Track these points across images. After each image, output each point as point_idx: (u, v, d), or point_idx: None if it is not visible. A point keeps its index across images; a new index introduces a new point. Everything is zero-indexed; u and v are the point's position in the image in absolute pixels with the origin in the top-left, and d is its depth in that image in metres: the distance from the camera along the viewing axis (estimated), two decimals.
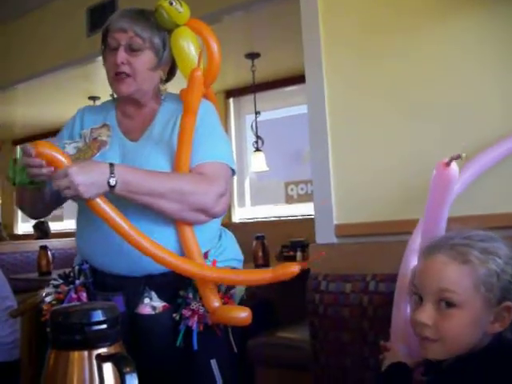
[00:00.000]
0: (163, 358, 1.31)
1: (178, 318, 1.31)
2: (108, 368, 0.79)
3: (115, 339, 0.82)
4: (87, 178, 1.18)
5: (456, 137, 1.53)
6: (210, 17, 3.15)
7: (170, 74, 1.51)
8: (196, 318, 1.30)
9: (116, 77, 1.39)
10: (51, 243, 4.51)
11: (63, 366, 0.79)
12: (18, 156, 1.24)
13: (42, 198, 1.42)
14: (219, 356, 1.36)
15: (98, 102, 4.90)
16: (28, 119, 6.26)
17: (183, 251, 1.33)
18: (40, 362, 0.84)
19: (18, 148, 1.43)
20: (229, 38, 3.75)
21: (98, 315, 0.80)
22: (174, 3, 1.36)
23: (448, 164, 1.10)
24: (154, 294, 1.32)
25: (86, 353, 0.79)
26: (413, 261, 1.31)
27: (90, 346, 0.79)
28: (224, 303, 1.31)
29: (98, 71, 4.31)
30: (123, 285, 1.33)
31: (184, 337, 1.30)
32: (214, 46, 1.44)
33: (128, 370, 0.75)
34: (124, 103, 1.47)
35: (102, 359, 0.78)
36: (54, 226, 6.28)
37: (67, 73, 4.27)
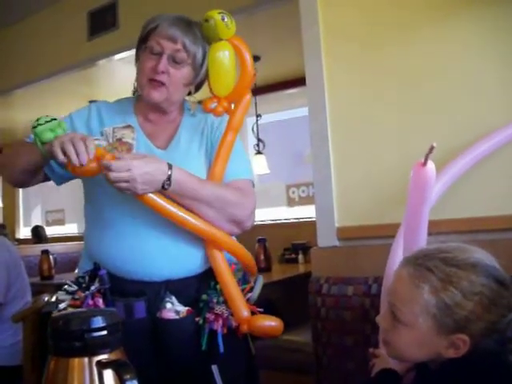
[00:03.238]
0: (188, 362, 1.31)
1: (201, 321, 1.31)
2: (108, 375, 0.78)
3: (116, 346, 0.81)
4: (147, 177, 1.19)
5: (459, 139, 1.52)
6: None
7: (197, 88, 1.48)
8: (221, 322, 1.31)
9: (151, 82, 1.36)
10: (53, 247, 4.50)
11: (63, 373, 0.78)
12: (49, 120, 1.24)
13: (40, 165, 1.34)
14: (236, 359, 1.37)
15: None
16: (29, 124, 6.25)
17: (208, 257, 1.36)
18: (43, 369, 0.83)
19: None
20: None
21: (98, 322, 0.79)
22: (226, 19, 1.35)
23: (424, 163, 1.08)
24: (174, 298, 1.32)
25: (86, 360, 0.78)
26: (396, 262, 1.30)
27: (90, 352, 0.78)
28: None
29: (99, 75, 4.36)
30: (143, 290, 1.32)
31: (206, 340, 1.31)
32: (249, 64, 1.44)
33: (128, 376, 0.74)
34: (147, 108, 1.44)
35: (102, 366, 0.78)
36: (56, 231, 6.29)
37: (68, 77, 4.26)
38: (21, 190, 7.36)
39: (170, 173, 1.23)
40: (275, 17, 3.44)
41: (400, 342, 1.00)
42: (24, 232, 7.13)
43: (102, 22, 3.92)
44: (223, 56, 1.39)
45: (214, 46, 1.40)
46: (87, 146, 1.16)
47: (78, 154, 1.15)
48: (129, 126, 1.38)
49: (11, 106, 5.40)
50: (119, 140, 1.35)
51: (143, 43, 1.39)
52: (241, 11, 3.27)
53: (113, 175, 1.17)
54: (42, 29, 4.36)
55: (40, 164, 1.32)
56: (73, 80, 4.38)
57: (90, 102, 5.14)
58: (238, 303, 1.31)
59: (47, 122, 1.24)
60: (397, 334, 1.00)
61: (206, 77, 1.44)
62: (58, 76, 4.27)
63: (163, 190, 1.23)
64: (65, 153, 1.16)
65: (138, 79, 1.41)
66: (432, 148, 1.03)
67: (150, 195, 1.23)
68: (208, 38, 1.40)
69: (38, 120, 1.25)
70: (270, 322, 1.32)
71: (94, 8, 4.00)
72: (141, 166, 1.19)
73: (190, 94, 1.47)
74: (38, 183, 1.44)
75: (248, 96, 1.42)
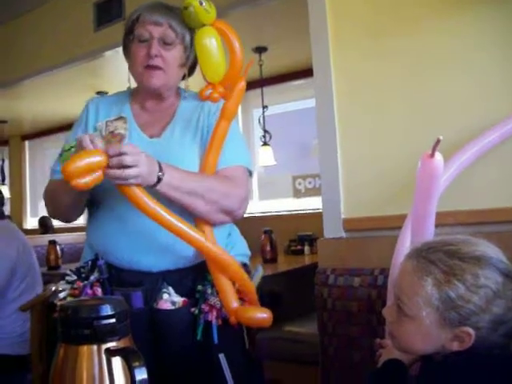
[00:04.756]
0: (184, 352, 1.32)
1: (196, 312, 1.31)
2: (117, 362, 0.79)
3: (124, 333, 0.82)
4: (147, 169, 1.17)
5: (465, 130, 1.52)
6: (217, 11, 3.14)
7: (190, 71, 1.49)
8: (215, 313, 1.31)
9: (147, 69, 1.37)
10: (60, 238, 4.52)
11: (72, 361, 0.79)
12: (73, 145, 1.22)
13: (83, 199, 1.37)
14: (234, 349, 1.37)
15: None
16: (36, 115, 6.29)
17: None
18: (51, 357, 0.84)
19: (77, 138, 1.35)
20: (236, 32, 3.74)
21: (107, 309, 0.80)
22: (204, 3, 1.35)
23: (432, 155, 1.07)
24: (171, 289, 1.33)
25: (95, 347, 0.79)
26: (403, 254, 1.31)
27: (99, 340, 0.79)
28: (239, 298, 1.33)
29: (106, 66, 4.36)
30: (141, 281, 1.33)
31: (202, 331, 1.31)
32: (238, 48, 1.42)
33: (137, 363, 0.75)
34: (144, 96, 1.45)
35: (111, 353, 0.79)
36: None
37: (74, 68, 4.26)
38: (28, 180, 7.40)
39: (160, 169, 1.21)
40: (282, 7, 3.42)
41: (405, 335, 1.01)
42: (31, 222, 7.17)
43: (108, 12, 3.91)
44: (209, 42, 1.39)
45: (198, 32, 1.40)
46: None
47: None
48: (121, 118, 1.39)
49: (18, 98, 5.41)
50: (112, 132, 1.36)
51: (130, 34, 1.40)
52: (247, 2, 3.26)
53: (119, 159, 1.13)
54: (48, 20, 4.36)
55: (80, 196, 1.34)
56: (79, 71, 4.38)
57: (97, 93, 5.17)
58: (228, 294, 1.30)
59: (65, 150, 1.25)
60: (402, 326, 1.00)
61: (197, 59, 1.44)
62: (64, 67, 4.27)
63: (155, 185, 1.21)
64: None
65: (132, 71, 1.42)
66: (438, 141, 1.03)
67: (140, 195, 1.21)
68: (191, 25, 1.40)
69: (63, 148, 1.27)
70: (259, 314, 1.31)
71: None
72: (145, 161, 1.17)
73: (183, 78, 1.47)
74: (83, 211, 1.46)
75: (242, 83, 1.39)
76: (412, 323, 0.98)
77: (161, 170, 1.21)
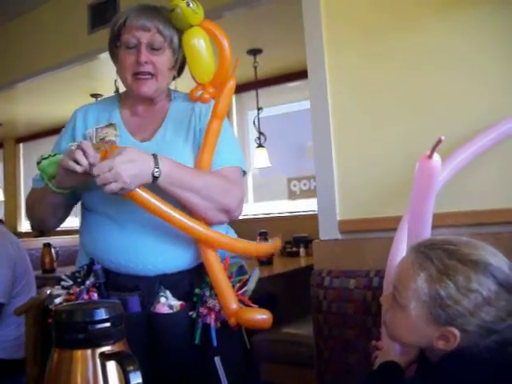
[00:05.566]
0: (181, 356, 1.31)
1: (194, 315, 1.31)
2: (112, 366, 0.78)
3: (118, 337, 0.82)
4: (133, 169, 1.16)
5: (464, 133, 1.52)
6: (212, 13, 3.14)
7: (179, 72, 1.49)
8: (213, 316, 1.31)
9: (137, 76, 1.36)
10: (55, 240, 4.50)
11: (67, 365, 0.79)
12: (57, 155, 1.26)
13: (64, 206, 1.39)
14: (232, 352, 1.37)
15: None
16: (30, 117, 6.28)
17: (199, 248, 1.35)
18: (45, 361, 0.83)
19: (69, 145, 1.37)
20: (230, 34, 3.70)
21: (101, 314, 0.80)
22: (192, 4, 1.35)
23: (430, 156, 1.08)
24: (168, 292, 1.32)
25: (89, 351, 0.78)
26: (398, 255, 1.31)
27: (94, 344, 0.79)
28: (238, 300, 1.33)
29: (100, 69, 4.35)
30: (137, 285, 1.32)
31: (200, 334, 1.31)
32: (227, 48, 1.42)
33: (132, 368, 0.74)
34: (135, 101, 1.44)
35: (105, 357, 0.78)
36: None
37: (69, 70, 4.25)
38: (22, 183, 7.38)
39: (156, 163, 1.20)
40: (276, 9, 3.43)
41: (393, 323, 1.03)
42: (25, 225, 7.14)
43: (102, 15, 3.90)
44: (198, 43, 1.39)
45: (186, 33, 1.40)
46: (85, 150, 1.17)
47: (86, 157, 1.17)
48: (111, 125, 1.38)
49: (12, 100, 5.40)
50: (102, 139, 1.35)
51: (117, 40, 1.39)
52: (242, 4, 3.26)
53: (98, 179, 1.15)
54: (42, 22, 4.35)
55: (56, 202, 1.34)
56: (74, 73, 4.37)
57: (92, 95, 5.16)
58: (227, 296, 1.30)
59: (51, 156, 1.26)
60: (394, 315, 1.03)
61: (185, 60, 1.44)
62: (59, 70, 4.26)
63: (154, 180, 1.21)
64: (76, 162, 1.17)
65: (121, 76, 1.41)
66: (440, 141, 1.03)
67: (143, 194, 1.22)
68: (178, 27, 1.40)
69: (42, 155, 1.28)
70: (259, 315, 1.30)
71: (94, 1, 3.98)
72: (123, 160, 1.16)
73: (173, 79, 1.47)
74: (67, 216, 1.47)
75: (231, 82, 1.39)
76: (402, 313, 1.00)
77: (157, 166, 1.20)
